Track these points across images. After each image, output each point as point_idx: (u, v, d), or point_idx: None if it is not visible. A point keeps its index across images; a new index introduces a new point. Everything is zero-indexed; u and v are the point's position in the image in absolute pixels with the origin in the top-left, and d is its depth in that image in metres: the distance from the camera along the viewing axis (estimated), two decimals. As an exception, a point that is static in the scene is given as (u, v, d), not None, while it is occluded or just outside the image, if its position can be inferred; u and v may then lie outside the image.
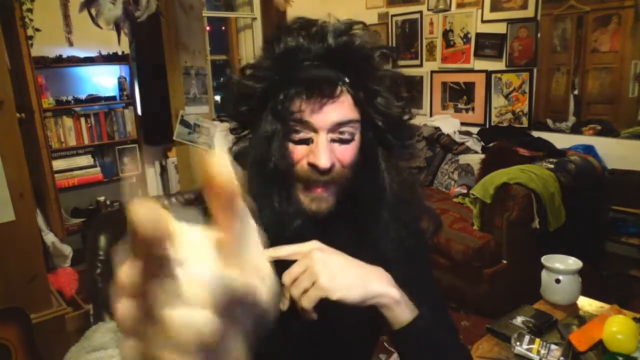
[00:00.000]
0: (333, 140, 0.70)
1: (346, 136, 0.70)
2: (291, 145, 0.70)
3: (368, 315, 0.71)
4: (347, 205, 0.73)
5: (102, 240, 0.92)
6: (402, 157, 0.77)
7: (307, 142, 0.69)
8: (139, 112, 3.79)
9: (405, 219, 0.77)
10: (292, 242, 0.69)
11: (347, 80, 0.70)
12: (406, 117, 0.75)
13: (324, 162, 0.67)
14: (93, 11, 1.92)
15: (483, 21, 3.50)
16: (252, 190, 0.70)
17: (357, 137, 0.72)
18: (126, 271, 0.24)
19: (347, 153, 0.70)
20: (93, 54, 3.53)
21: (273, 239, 0.67)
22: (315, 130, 0.69)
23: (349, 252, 0.72)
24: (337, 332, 0.77)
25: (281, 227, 0.70)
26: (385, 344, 2.39)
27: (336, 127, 0.69)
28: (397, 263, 0.74)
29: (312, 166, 0.68)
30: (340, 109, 0.69)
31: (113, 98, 3.68)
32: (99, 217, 0.96)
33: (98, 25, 1.98)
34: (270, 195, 0.70)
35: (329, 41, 0.69)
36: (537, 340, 1.13)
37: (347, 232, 0.75)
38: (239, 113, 0.74)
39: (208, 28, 3.93)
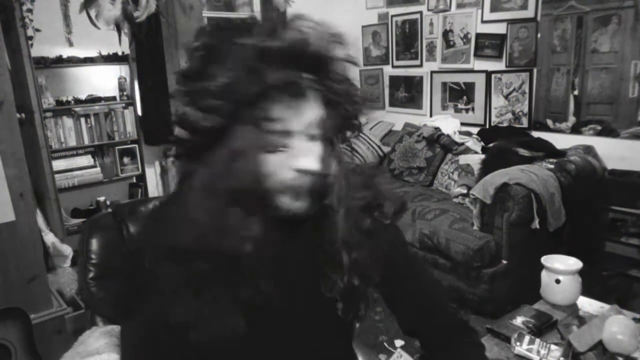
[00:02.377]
0: (308, 141, 0.69)
1: (317, 134, 0.70)
2: (268, 156, 0.68)
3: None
4: (316, 200, 0.73)
5: (94, 244, 0.91)
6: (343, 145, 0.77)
7: (283, 147, 0.68)
8: (139, 112, 3.79)
9: (359, 206, 0.77)
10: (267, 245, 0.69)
11: (311, 77, 0.68)
12: (362, 106, 0.75)
13: (311, 164, 0.67)
14: (93, 12, 1.92)
15: (483, 21, 3.50)
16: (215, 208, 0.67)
17: (322, 132, 0.71)
18: None
19: (319, 150, 0.70)
20: (93, 54, 3.54)
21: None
22: (290, 135, 0.67)
23: (311, 254, 0.75)
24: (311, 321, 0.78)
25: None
26: (385, 344, 2.39)
27: (308, 127, 0.68)
28: (358, 246, 0.75)
29: (298, 171, 0.68)
30: (312, 108, 0.68)
31: (113, 98, 3.68)
32: (90, 221, 0.95)
33: (96, 26, 1.98)
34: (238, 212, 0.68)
35: (281, 41, 0.66)
36: (537, 340, 1.13)
37: (309, 232, 0.76)
38: (199, 135, 0.68)
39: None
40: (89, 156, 3.67)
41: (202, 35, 0.69)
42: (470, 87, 3.68)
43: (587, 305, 1.33)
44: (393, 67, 4.24)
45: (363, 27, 4.36)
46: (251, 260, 0.67)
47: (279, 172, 0.68)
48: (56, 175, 3.14)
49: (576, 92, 3.10)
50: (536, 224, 2.54)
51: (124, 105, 3.72)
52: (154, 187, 4.02)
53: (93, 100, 3.59)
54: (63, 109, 3.45)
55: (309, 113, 0.68)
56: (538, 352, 1.09)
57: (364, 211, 0.78)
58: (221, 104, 0.64)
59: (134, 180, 3.94)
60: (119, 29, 1.99)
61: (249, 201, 0.67)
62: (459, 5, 3.64)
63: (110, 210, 1.01)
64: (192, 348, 0.70)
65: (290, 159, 0.68)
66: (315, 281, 0.77)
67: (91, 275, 0.90)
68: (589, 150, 2.98)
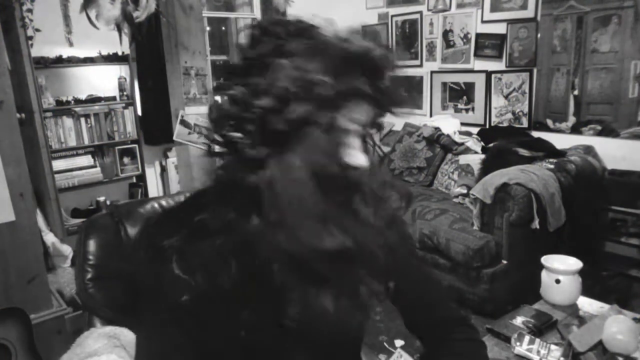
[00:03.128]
0: (359, 139, 0.72)
1: (364, 132, 0.73)
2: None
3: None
4: None
5: (92, 245, 0.91)
6: None
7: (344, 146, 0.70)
8: (139, 112, 3.79)
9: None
10: None
11: (365, 87, 0.68)
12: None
13: (363, 161, 0.69)
14: (93, 12, 1.92)
15: (483, 21, 3.50)
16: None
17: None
18: None
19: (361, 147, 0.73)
20: (93, 54, 3.54)
21: None
22: (351, 135, 0.70)
23: None
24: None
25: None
26: (385, 344, 2.39)
27: (363, 128, 0.71)
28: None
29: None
30: (366, 110, 0.70)
31: (113, 98, 3.68)
32: (88, 222, 0.94)
33: (95, 27, 1.98)
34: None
35: (354, 47, 0.66)
36: (537, 340, 1.13)
37: None
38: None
39: (208, 28, 3.93)
40: (89, 156, 3.67)
41: (260, 29, 0.68)
42: (470, 87, 3.68)
43: (587, 305, 1.32)
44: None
45: (363, 27, 4.35)
46: (365, 257, 0.67)
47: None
48: (56, 175, 3.14)
49: (576, 92, 3.10)
50: (536, 224, 2.54)
51: (124, 105, 3.72)
52: (154, 187, 4.02)
53: (93, 100, 3.59)
54: (63, 109, 3.45)
55: (365, 115, 0.69)
56: (538, 352, 1.09)
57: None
58: (296, 104, 0.62)
59: (134, 180, 3.94)
60: (119, 29, 2.00)
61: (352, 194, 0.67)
62: (459, 5, 3.64)
63: (108, 210, 1.01)
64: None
65: (348, 157, 0.68)
66: None
67: (89, 276, 0.90)
68: (589, 150, 2.97)
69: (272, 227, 0.64)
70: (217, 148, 0.69)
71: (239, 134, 0.65)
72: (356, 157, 0.69)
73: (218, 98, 4.16)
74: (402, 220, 0.88)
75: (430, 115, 3.98)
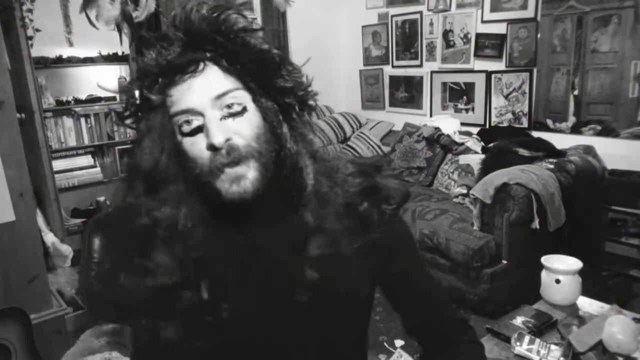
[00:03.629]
0: (224, 117, 0.68)
1: (235, 108, 0.68)
2: (186, 139, 0.69)
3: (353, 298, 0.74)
4: (276, 183, 0.71)
5: (97, 243, 0.91)
6: (303, 106, 0.74)
7: (200, 130, 0.68)
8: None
9: (337, 181, 0.76)
10: (224, 232, 0.71)
11: (207, 55, 0.68)
12: (277, 61, 0.71)
13: (217, 139, 0.66)
14: (93, 12, 1.92)
15: (483, 21, 3.50)
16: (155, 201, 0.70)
17: (251, 106, 0.70)
18: None
19: (242, 124, 0.68)
20: (93, 54, 3.54)
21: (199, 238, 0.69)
22: (199, 114, 0.67)
23: (281, 230, 0.74)
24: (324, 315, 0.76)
25: (205, 226, 0.70)
26: (385, 344, 2.39)
27: (218, 102, 0.68)
28: (328, 235, 0.73)
29: (210, 148, 0.67)
30: (211, 82, 0.68)
31: (113, 98, 3.68)
32: (92, 220, 0.95)
33: (94, 26, 1.98)
34: (180, 200, 0.69)
35: (179, 28, 0.68)
36: (537, 340, 1.13)
37: (280, 213, 0.74)
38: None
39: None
40: (89, 156, 3.67)
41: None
42: (470, 87, 3.68)
43: (587, 305, 1.32)
44: (393, 67, 4.24)
45: (363, 27, 4.35)
46: (176, 246, 0.68)
47: (198, 153, 0.68)
48: (56, 175, 3.14)
49: (576, 92, 3.10)
50: (536, 224, 2.54)
51: (124, 105, 3.71)
52: (154, 187, 4.02)
53: (93, 100, 3.59)
54: (63, 109, 3.45)
55: (212, 88, 0.68)
56: (538, 352, 1.09)
57: (360, 197, 0.77)
58: (133, 89, 0.69)
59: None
60: (119, 29, 1.99)
61: (165, 184, 0.69)
62: (459, 5, 3.64)
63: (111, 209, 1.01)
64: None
65: (204, 138, 0.67)
66: (282, 265, 0.74)
67: (93, 274, 0.90)
68: (589, 150, 2.97)
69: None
70: None
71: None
72: (215, 137, 0.66)
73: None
74: (399, 219, 0.86)
75: (430, 115, 3.98)
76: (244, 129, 0.68)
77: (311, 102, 0.74)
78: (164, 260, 0.68)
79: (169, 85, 0.68)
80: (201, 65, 0.67)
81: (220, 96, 0.67)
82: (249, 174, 0.68)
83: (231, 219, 0.72)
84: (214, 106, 0.67)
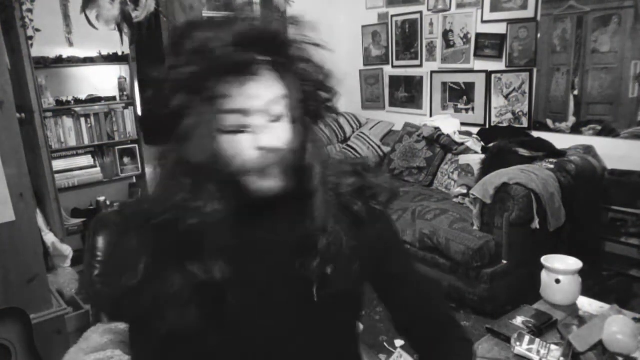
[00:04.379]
0: (270, 121, 0.70)
1: (279, 114, 0.71)
2: (231, 137, 0.70)
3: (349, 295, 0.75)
4: (291, 181, 0.74)
5: (100, 242, 0.92)
6: (322, 118, 0.79)
7: (246, 128, 0.69)
8: (139, 112, 3.79)
9: (347, 191, 0.79)
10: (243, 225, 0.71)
11: (265, 58, 0.70)
12: (326, 78, 0.75)
13: (270, 142, 0.68)
14: (93, 12, 1.92)
15: (483, 21, 3.50)
16: (191, 191, 0.69)
17: (290, 113, 0.73)
18: None
19: (283, 129, 0.71)
20: (93, 54, 3.54)
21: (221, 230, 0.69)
22: (249, 114, 0.69)
23: (291, 235, 0.75)
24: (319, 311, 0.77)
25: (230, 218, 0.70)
26: (385, 344, 2.39)
27: (267, 107, 0.69)
28: (334, 234, 0.75)
29: (257, 150, 0.69)
30: (266, 87, 0.69)
31: (113, 98, 3.68)
32: (96, 219, 0.95)
33: (94, 27, 1.98)
34: (213, 191, 0.70)
35: (237, 26, 0.69)
36: (537, 340, 1.13)
37: (291, 214, 0.76)
38: (165, 118, 0.71)
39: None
40: (89, 156, 3.66)
41: (175, 32, 0.73)
42: (470, 87, 3.68)
43: (587, 305, 1.32)
44: (393, 67, 4.24)
45: (363, 27, 4.36)
46: (207, 239, 0.69)
47: (241, 151, 0.69)
48: (56, 175, 3.14)
49: (576, 92, 3.10)
50: (536, 224, 2.54)
51: (124, 105, 3.72)
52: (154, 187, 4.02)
53: (93, 100, 3.59)
54: (63, 109, 3.45)
55: (267, 92, 0.69)
56: (538, 352, 1.09)
57: (353, 197, 0.79)
58: (176, 86, 0.67)
59: (134, 180, 3.94)
60: (120, 29, 1.99)
61: (210, 179, 0.69)
62: (459, 5, 3.64)
63: (116, 208, 1.01)
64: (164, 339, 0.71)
65: (252, 139, 0.69)
66: (294, 265, 0.76)
67: (97, 272, 0.90)
68: (589, 150, 2.97)
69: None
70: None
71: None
72: (265, 138, 0.69)
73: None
74: (386, 216, 0.87)
75: (430, 115, 3.98)
76: (284, 134, 0.71)
77: (335, 110, 0.79)
78: (206, 259, 0.69)
79: (224, 81, 0.68)
80: (260, 69, 0.69)
81: (271, 101, 0.70)
82: (277, 174, 0.71)
83: (255, 217, 0.74)
84: (264, 110, 0.69)
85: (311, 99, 0.75)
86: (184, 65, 0.67)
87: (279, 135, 0.70)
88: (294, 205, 0.75)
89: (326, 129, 4.09)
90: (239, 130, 0.69)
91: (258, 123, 0.69)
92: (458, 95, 3.78)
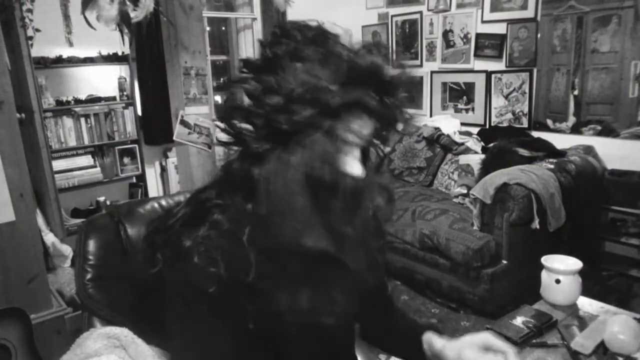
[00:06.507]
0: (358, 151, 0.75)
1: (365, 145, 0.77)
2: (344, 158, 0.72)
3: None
4: None
5: (92, 245, 0.91)
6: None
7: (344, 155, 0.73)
8: (139, 112, 3.79)
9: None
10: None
11: (370, 101, 0.69)
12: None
13: (357, 169, 0.73)
14: (94, 13, 1.92)
15: (483, 21, 3.50)
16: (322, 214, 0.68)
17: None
18: None
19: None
20: (93, 54, 3.54)
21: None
22: (353, 146, 0.73)
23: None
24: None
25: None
26: (385, 344, 2.38)
27: (365, 140, 0.75)
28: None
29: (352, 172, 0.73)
30: (364, 124, 0.73)
31: (113, 98, 3.68)
32: (87, 222, 0.95)
33: (92, 27, 1.98)
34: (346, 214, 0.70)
35: (366, 61, 0.69)
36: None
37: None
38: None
39: (208, 28, 3.93)
40: (89, 156, 3.66)
41: (280, 32, 0.70)
42: (470, 87, 3.68)
43: (587, 305, 1.32)
44: (393, 67, 4.23)
45: (363, 27, 4.35)
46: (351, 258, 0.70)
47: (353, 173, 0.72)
48: (56, 175, 3.14)
49: (576, 92, 3.10)
50: (536, 224, 2.54)
51: (124, 105, 3.72)
52: (154, 187, 4.02)
53: (93, 100, 3.59)
54: (63, 109, 3.45)
55: (366, 128, 0.73)
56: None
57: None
58: (302, 107, 0.65)
59: (134, 180, 3.94)
60: (120, 29, 1.99)
61: (344, 198, 0.69)
62: (459, 5, 3.64)
63: (107, 209, 1.01)
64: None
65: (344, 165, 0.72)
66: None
67: (89, 276, 0.90)
68: (589, 150, 2.97)
69: (261, 220, 0.67)
70: (224, 138, 0.71)
71: (247, 126, 0.68)
72: (352, 166, 0.72)
73: (219, 97, 4.14)
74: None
75: (430, 115, 3.98)
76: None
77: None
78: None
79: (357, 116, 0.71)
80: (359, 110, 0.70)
81: (365, 136, 0.73)
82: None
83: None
84: (362, 141, 0.74)
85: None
86: (310, 81, 0.66)
87: (360, 165, 0.74)
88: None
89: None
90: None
91: (354, 156, 0.73)
92: (458, 95, 3.78)
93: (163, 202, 1.02)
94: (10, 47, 2.55)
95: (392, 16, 4.13)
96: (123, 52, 3.63)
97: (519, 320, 1.22)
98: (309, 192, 0.66)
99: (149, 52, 3.59)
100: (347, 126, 0.70)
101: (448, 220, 2.77)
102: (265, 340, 0.72)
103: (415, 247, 2.83)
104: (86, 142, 3.59)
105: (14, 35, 2.61)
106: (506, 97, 3.46)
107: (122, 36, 2.08)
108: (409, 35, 4.04)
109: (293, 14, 3.88)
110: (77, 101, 3.52)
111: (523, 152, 2.95)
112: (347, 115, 0.68)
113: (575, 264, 1.34)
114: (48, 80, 3.41)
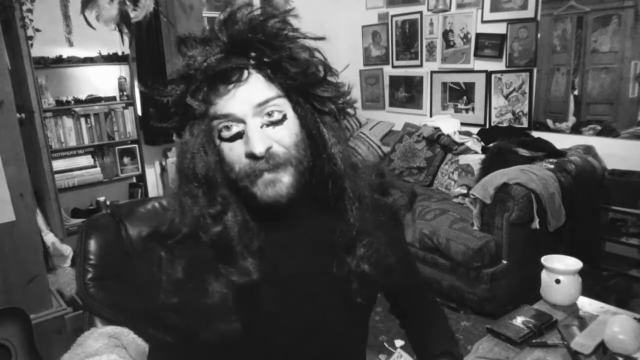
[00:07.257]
0: (265, 125, 0.69)
1: (275, 116, 0.69)
2: (224, 144, 0.69)
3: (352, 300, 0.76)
4: (311, 187, 0.73)
5: (92, 245, 0.91)
6: (340, 114, 0.75)
7: (240, 136, 0.68)
8: (139, 112, 3.79)
9: (367, 186, 0.79)
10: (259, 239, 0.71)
11: (251, 62, 0.68)
12: (322, 72, 0.72)
13: (258, 148, 0.66)
14: (94, 12, 1.91)
15: (483, 21, 3.50)
16: (192, 201, 0.70)
17: (290, 114, 0.71)
18: None
19: (282, 132, 0.69)
20: (93, 54, 3.54)
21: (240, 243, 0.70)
22: (241, 121, 0.68)
23: (320, 235, 0.76)
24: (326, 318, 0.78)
25: (241, 230, 0.70)
26: (385, 344, 2.39)
27: (259, 110, 0.68)
28: (371, 234, 0.77)
29: (250, 156, 0.68)
30: (254, 90, 0.68)
31: (113, 98, 3.68)
32: (87, 222, 0.94)
33: (92, 27, 1.98)
34: (216, 203, 0.70)
35: (222, 32, 0.68)
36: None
37: (316, 214, 0.76)
38: (171, 123, 0.73)
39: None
40: (89, 156, 3.67)
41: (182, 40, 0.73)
42: (470, 87, 3.68)
43: (587, 305, 1.32)
44: (393, 67, 4.24)
45: (363, 27, 4.36)
46: (234, 242, 0.69)
47: (237, 159, 0.69)
48: (56, 175, 3.14)
49: (576, 92, 3.10)
50: (536, 224, 2.54)
51: (124, 105, 3.72)
52: (154, 187, 4.02)
53: (93, 100, 3.59)
54: (63, 109, 3.45)
55: (256, 95, 0.68)
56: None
57: (380, 196, 0.84)
58: (175, 91, 0.69)
59: (134, 180, 3.94)
60: (120, 29, 1.99)
61: (218, 188, 0.69)
62: (459, 5, 3.64)
63: (107, 210, 1.00)
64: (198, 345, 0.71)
65: (243, 145, 0.68)
66: (328, 265, 0.76)
67: (89, 276, 0.90)
68: (589, 150, 2.98)
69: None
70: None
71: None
72: (255, 144, 0.67)
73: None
74: (393, 211, 0.92)
75: (430, 115, 3.98)
76: (284, 137, 0.69)
77: (350, 110, 0.76)
78: (239, 262, 0.70)
79: (212, 92, 0.68)
80: (245, 73, 0.67)
81: (262, 104, 0.68)
82: (284, 179, 0.69)
83: (269, 222, 0.73)
84: (255, 114, 0.68)
85: (314, 98, 0.71)
86: (175, 85, 0.69)
87: (273, 139, 0.68)
88: (323, 206, 0.75)
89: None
90: (232, 138, 0.68)
91: (248, 129, 0.67)
92: (458, 95, 3.78)
93: (164, 202, 1.02)
94: (10, 47, 2.55)
95: (392, 16, 4.13)
96: (123, 52, 3.63)
97: (519, 320, 1.22)
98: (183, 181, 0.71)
99: (149, 52, 3.59)
100: (238, 96, 0.67)
101: (448, 220, 2.77)
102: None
103: (415, 247, 2.83)
104: (86, 142, 3.59)
105: (14, 35, 2.61)
106: (506, 97, 3.46)
107: (122, 36, 2.08)
108: (409, 35, 4.04)
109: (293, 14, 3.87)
110: (77, 101, 3.53)
111: (523, 152, 2.95)
112: (213, 88, 0.68)
113: (575, 264, 1.34)
114: (48, 80, 3.41)
